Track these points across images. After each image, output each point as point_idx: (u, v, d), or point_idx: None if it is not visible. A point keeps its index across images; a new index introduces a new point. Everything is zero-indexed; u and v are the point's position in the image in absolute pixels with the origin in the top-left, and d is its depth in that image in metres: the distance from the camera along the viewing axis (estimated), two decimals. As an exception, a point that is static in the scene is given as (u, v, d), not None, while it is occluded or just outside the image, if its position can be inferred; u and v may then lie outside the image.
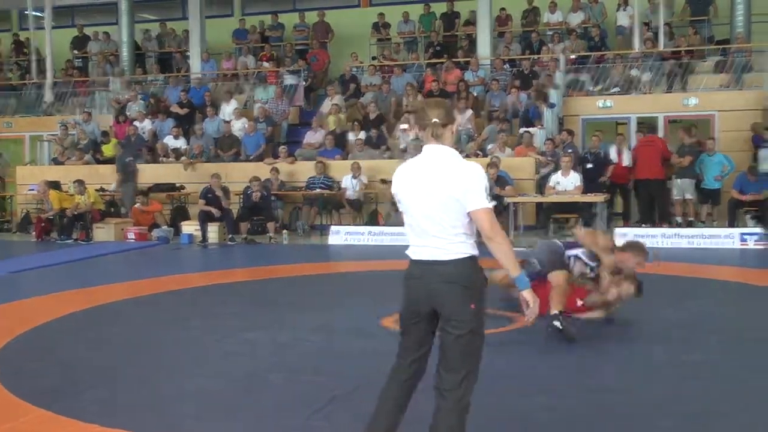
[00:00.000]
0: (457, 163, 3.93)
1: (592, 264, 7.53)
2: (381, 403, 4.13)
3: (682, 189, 15.01)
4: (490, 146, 16.38)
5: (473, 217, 3.84)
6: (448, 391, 3.89)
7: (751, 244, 13.01)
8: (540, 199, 14.64)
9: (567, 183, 14.22)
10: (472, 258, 3.88)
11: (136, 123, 19.42)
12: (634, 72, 18.51)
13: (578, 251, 7.60)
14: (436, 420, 3.91)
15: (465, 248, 3.88)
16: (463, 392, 3.91)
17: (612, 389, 5.57)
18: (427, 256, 3.94)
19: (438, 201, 3.86)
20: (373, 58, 22.00)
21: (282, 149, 17.71)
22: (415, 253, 4.02)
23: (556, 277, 7.38)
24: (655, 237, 13.50)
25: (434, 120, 3.94)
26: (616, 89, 18.36)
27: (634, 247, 7.59)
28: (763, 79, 17.43)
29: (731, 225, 14.12)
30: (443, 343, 3.93)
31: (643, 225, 14.86)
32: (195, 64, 22.28)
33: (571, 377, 5.87)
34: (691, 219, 15.01)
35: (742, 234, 13.24)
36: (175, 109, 20.06)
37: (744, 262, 12.01)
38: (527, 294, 3.93)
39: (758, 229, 13.42)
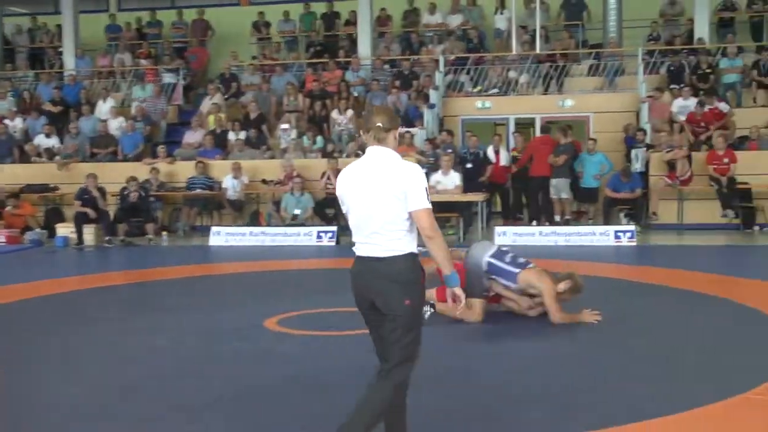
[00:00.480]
0: (398, 164, 4.14)
1: (512, 286, 7.72)
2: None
3: (558, 188, 15.40)
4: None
5: (414, 217, 4.06)
6: (385, 377, 4.12)
7: (625, 241, 13.45)
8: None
9: (447, 182, 14.37)
10: (409, 255, 4.10)
11: (6, 121, 18.68)
12: (512, 74, 18.89)
13: (498, 277, 7.70)
14: (371, 391, 4.13)
15: (403, 245, 4.07)
16: (399, 379, 4.14)
17: (484, 385, 5.65)
18: (367, 253, 4.12)
19: (379, 200, 4.06)
20: (254, 57, 21.78)
21: (161, 149, 17.35)
22: (358, 250, 4.19)
23: (474, 308, 7.54)
24: (533, 235, 13.81)
25: (378, 124, 4.17)
26: (495, 90, 18.70)
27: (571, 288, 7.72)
28: (635, 81, 18.05)
29: (606, 223, 14.57)
30: (382, 334, 4.15)
31: (534, 222, 15.22)
32: (68, 60, 21.57)
33: (445, 376, 5.93)
34: (567, 218, 15.42)
35: (616, 231, 13.66)
36: (47, 107, 19.39)
37: (618, 258, 12.41)
38: (458, 291, 4.20)
39: (631, 227, 13.87)
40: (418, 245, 4.15)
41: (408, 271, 4.09)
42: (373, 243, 4.10)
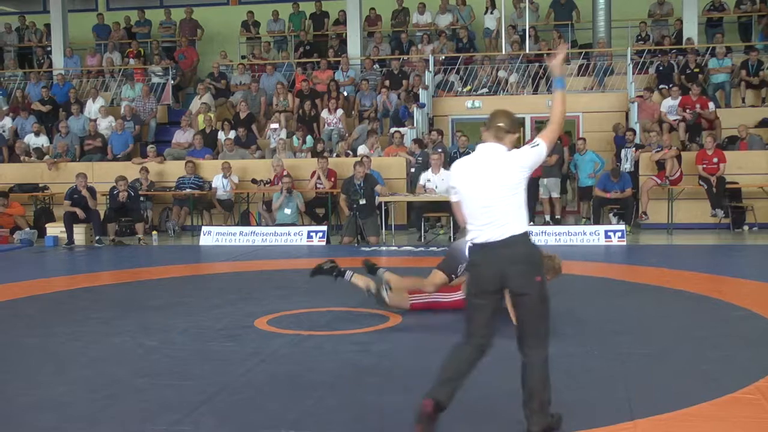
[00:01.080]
0: (511, 157, 4.61)
1: None
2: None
3: (548, 188, 15.42)
4: (361, 146, 16.40)
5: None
6: (538, 347, 4.65)
7: (615, 240, 13.47)
8: (412, 198, 14.75)
9: (438, 180, 14.35)
10: (526, 234, 4.56)
11: (-5, 121, 18.64)
12: (501, 73, 18.92)
13: None
14: (534, 373, 4.68)
15: (520, 228, 4.52)
16: (547, 349, 4.68)
17: (470, 385, 5.63)
18: (488, 239, 4.52)
19: (497, 191, 4.53)
20: (243, 57, 21.74)
21: (150, 149, 17.30)
22: (477, 238, 4.59)
23: (432, 276, 7.87)
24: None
25: (500, 124, 4.69)
26: (485, 90, 18.72)
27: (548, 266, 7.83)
28: (624, 81, 18.10)
29: (596, 222, 14.59)
30: (519, 313, 4.60)
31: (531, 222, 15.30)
32: (57, 59, 21.50)
33: (433, 374, 5.89)
34: (558, 217, 15.44)
35: (607, 231, 13.68)
36: (37, 106, 19.32)
37: (608, 258, 12.43)
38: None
39: (621, 226, 13.89)
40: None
41: (529, 251, 4.55)
42: (493, 229, 4.50)
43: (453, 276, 7.91)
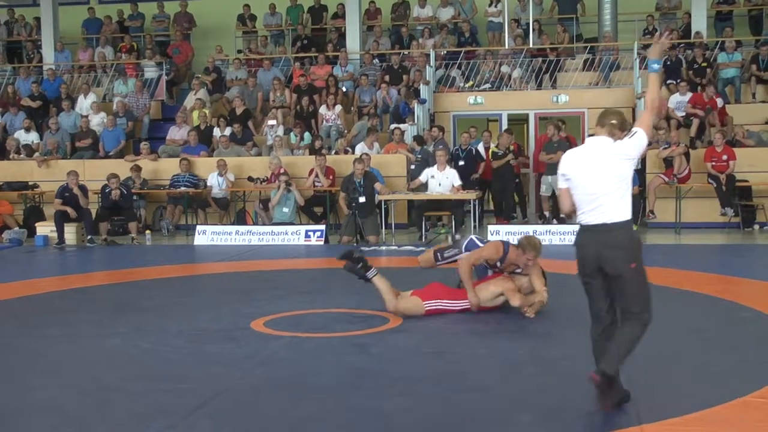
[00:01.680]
0: (619, 150, 5.18)
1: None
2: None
3: (551, 185, 15.43)
4: (359, 145, 16.37)
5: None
6: (635, 320, 5.20)
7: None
8: (413, 196, 14.75)
9: (442, 178, 14.34)
10: (629, 222, 5.17)
11: (-16, 117, 18.64)
12: (504, 68, 18.92)
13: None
14: (622, 332, 5.18)
15: (624, 215, 5.15)
16: (648, 320, 5.25)
17: (474, 388, 5.66)
18: (594, 222, 5.17)
19: (607, 180, 5.11)
20: (239, 52, 21.74)
21: (144, 146, 17.29)
22: (584, 221, 5.24)
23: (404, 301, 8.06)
24: (527, 234, 13.79)
25: (613, 122, 5.26)
26: (487, 85, 18.72)
27: (523, 244, 8.17)
28: (630, 77, 18.09)
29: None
30: (615, 291, 5.21)
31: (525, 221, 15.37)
32: (48, 54, 21.48)
33: (436, 378, 5.94)
34: (563, 215, 15.41)
35: (613, 230, 13.66)
36: (26, 102, 19.32)
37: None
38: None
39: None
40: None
41: (628, 238, 5.17)
42: (597, 214, 5.13)
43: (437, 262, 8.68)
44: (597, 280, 5.25)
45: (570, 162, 5.34)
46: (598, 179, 5.13)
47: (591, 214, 5.17)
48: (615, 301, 5.25)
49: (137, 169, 16.24)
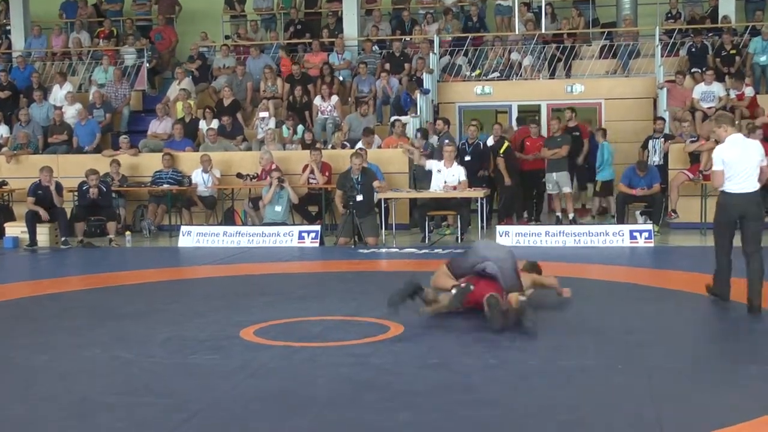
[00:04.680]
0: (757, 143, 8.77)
1: None
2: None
3: (557, 183, 15.45)
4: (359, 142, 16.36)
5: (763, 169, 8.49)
6: (756, 254, 8.42)
7: (641, 242, 13.48)
8: (415, 194, 14.77)
9: (448, 175, 14.36)
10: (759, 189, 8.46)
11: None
12: (514, 56, 18.94)
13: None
14: (753, 268, 8.38)
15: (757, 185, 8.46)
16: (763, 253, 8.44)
17: (483, 401, 5.67)
18: (744, 190, 8.36)
19: (755, 162, 8.38)
20: (227, 38, 21.76)
21: (123, 139, 17.31)
22: (737, 189, 8.37)
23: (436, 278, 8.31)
24: (539, 235, 13.84)
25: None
26: (496, 74, 18.74)
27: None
28: (651, 65, 18.11)
29: (620, 221, 14.58)
30: (745, 232, 8.50)
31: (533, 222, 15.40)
32: (17, 40, 21.50)
33: (441, 390, 5.95)
34: (572, 215, 15.43)
35: (632, 231, 13.69)
36: (-6, 92, 19.37)
37: (634, 261, 12.46)
38: None
39: (648, 226, 13.90)
40: None
41: (760, 198, 8.48)
42: (747, 184, 8.33)
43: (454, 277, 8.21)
44: (732, 229, 8.56)
45: (732, 150, 8.36)
46: (750, 162, 8.36)
47: (742, 184, 8.34)
48: (744, 238, 8.48)
49: (117, 163, 16.26)
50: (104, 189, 15.09)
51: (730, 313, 8.48)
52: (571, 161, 15.81)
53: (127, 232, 15.27)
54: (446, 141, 15.14)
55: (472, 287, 7.95)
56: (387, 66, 18.64)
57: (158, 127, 17.86)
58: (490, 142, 16.02)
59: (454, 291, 7.99)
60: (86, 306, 9.57)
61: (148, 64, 20.31)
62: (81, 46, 21.07)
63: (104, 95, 18.65)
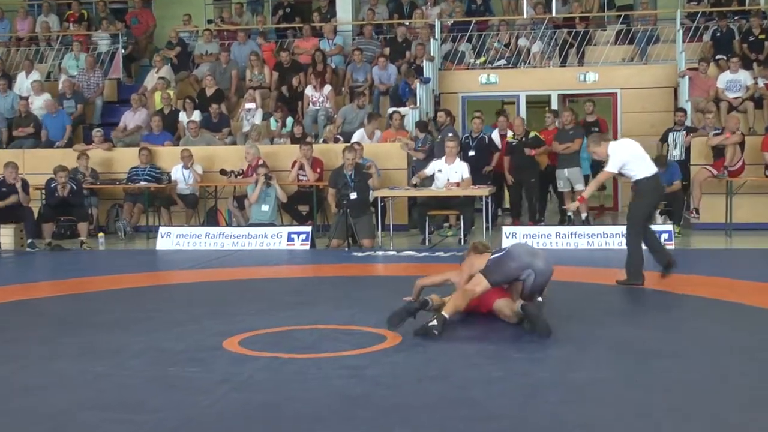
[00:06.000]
0: None
1: None
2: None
3: (570, 180, 15.46)
4: (357, 132, 16.35)
5: None
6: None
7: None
8: (414, 192, 14.78)
9: (450, 172, 14.37)
10: None
11: None
12: (522, 42, 18.95)
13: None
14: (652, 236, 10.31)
15: None
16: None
17: (486, 417, 5.67)
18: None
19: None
20: (209, 22, 21.77)
21: (96, 133, 17.32)
22: (651, 172, 10.13)
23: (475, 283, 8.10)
24: (549, 237, 13.85)
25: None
26: (502, 62, 18.75)
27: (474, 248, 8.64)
28: (672, 51, 18.12)
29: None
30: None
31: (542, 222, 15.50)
32: (-22, 25, 21.53)
33: (441, 405, 5.94)
34: (585, 215, 15.41)
35: (651, 232, 13.68)
36: (-47, 81, 19.37)
37: (651, 265, 12.44)
38: None
39: (668, 227, 13.90)
40: None
41: None
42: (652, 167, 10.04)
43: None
44: None
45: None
46: None
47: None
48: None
49: (85, 157, 16.22)
50: (75, 187, 15.09)
51: (757, 321, 8.49)
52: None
53: (100, 234, 15.27)
54: (449, 135, 15.14)
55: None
56: (386, 51, 18.65)
57: (134, 118, 17.85)
58: (496, 136, 16.05)
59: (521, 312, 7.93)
60: (55, 314, 9.57)
61: (123, 51, 20.33)
62: (49, 31, 21.09)
63: (75, 84, 18.66)
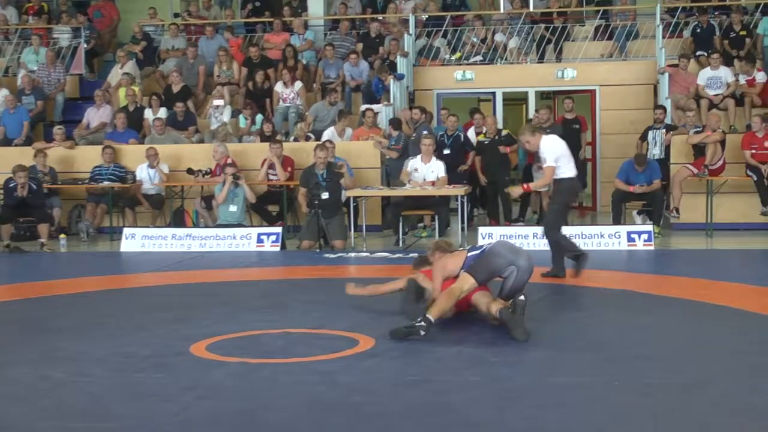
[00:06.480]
0: None
1: None
2: None
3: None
4: (328, 130, 16.31)
5: None
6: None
7: (640, 244, 13.53)
8: (388, 192, 14.76)
9: (427, 171, 14.37)
10: None
11: None
12: (499, 37, 18.97)
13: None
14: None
15: None
16: None
17: (465, 423, 5.65)
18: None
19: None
20: (176, 16, 21.68)
21: (57, 130, 17.20)
22: (572, 173, 10.59)
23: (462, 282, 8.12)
24: (526, 237, 13.84)
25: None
26: (478, 58, 18.76)
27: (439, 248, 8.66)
28: (652, 47, 18.19)
29: (616, 222, 14.61)
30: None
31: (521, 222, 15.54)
32: (-68, 18, 21.35)
33: (418, 410, 5.92)
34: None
35: (630, 233, 13.73)
36: None
37: (632, 265, 12.50)
38: None
39: (648, 227, 13.94)
40: None
41: None
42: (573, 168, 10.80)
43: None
44: None
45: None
46: None
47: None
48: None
49: (43, 155, 16.09)
50: (35, 187, 14.97)
51: (739, 324, 8.52)
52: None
53: (62, 236, 15.17)
54: (424, 132, 15.14)
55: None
56: (359, 47, 18.64)
57: (97, 116, 17.74)
58: (471, 134, 16.06)
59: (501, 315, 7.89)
60: (13, 319, 9.50)
61: (85, 45, 20.21)
62: (7, 24, 20.96)
63: (35, 80, 18.55)
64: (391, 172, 15.63)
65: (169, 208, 16.34)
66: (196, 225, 15.76)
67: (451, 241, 9.58)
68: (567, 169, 10.65)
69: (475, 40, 18.98)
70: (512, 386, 6.49)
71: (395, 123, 16.01)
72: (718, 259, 13.08)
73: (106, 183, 15.98)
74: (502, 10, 19.11)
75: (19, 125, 17.60)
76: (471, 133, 16.25)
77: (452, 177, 14.78)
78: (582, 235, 13.85)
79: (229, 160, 15.36)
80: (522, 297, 7.84)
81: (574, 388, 6.38)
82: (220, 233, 14.58)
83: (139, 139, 17.09)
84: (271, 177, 15.43)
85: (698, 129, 15.22)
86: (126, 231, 15.05)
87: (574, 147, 16.11)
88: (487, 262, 8.13)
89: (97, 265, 13.67)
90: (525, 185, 11.81)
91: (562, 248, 10.79)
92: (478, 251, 8.31)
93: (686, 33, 18.70)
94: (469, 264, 8.19)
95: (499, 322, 7.86)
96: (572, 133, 16.05)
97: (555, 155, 10.55)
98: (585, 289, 10.42)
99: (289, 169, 15.44)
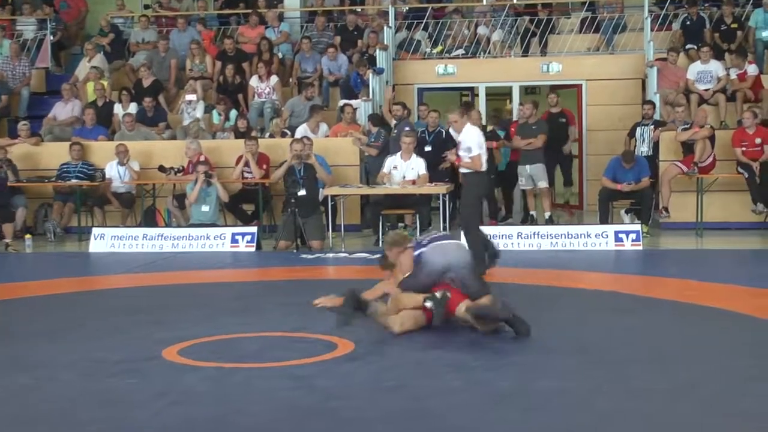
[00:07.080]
0: None
1: None
2: None
3: (531, 177, 15.48)
4: (301, 127, 16.30)
5: None
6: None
7: (628, 244, 13.58)
8: (367, 190, 14.77)
9: (407, 169, 14.38)
10: None
11: None
12: (481, 30, 19.00)
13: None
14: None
15: None
16: None
17: (446, 430, 5.67)
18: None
19: None
20: (146, 7, 21.63)
21: (22, 126, 17.14)
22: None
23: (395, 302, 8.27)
24: (511, 237, 13.89)
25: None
26: (460, 51, 18.79)
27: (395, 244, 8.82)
28: (640, 40, 18.24)
29: (603, 221, 14.64)
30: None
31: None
32: None
33: (398, 416, 5.94)
34: (548, 213, 15.48)
35: (617, 232, 13.76)
36: None
37: (619, 266, 12.54)
38: None
39: (636, 226, 13.98)
40: None
41: None
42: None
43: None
44: None
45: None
46: None
47: None
48: None
49: (3, 150, 16.02)
50: (-1, 186, 14.95)
51: (730, 324, 8.57)
52: (553, 152, 15.90)
53: (27, 236, 15.14)
54: (406, 129, 15.13)
55: (449, 294, 8.06)
56: (337, 40, 18.63)
57: (64, 111, 17.70)
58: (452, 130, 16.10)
59: (429, 304, 8.02)
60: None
61: (52, 38, 20.13)
62: (-30, 16, 20.85)
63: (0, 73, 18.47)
64: (371, 170, 15.62)
65: (139, 207, 16.31)
66: (168, 225, 15.73)
67: (405, 233, 9.82)
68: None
69: (466, 33, 18.97)
70: (494, 391, 6.51)
71: (375, 119, 16.01)
72: (708, 259, 13.14)
73: (73, 181, 15.93)
74: (485, 2, 19.15)
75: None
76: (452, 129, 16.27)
77: (434, 175, 14.78)
78: (568, 235, 13.92)
79: (202, 158, 15.33)
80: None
81: (559, 393, 6.42)
82: (193, 233, 14.56)
83: (109, 135, 17.05)
84: (246, 175, 15.42)
85: (686, 126, 15.24)
86: (95, 231, 15.01)
87: (561, 141, 16.28)
88: (418, 278, 8.34)
89: (65, 266, 13.62)
90: (457, 158, 11.65)
91: (484, 243, 11.14)
92: (417, 251, 8.47)
93: (675, 25, 18.77)
94: (404, 279, 8.41)
95: (473, 319, 7.91)
96: (559, 127, 16.12)
97: (480, 145, 11.11)
98: (571, 291, 10.46)
99: (265, 166, 15.42)
